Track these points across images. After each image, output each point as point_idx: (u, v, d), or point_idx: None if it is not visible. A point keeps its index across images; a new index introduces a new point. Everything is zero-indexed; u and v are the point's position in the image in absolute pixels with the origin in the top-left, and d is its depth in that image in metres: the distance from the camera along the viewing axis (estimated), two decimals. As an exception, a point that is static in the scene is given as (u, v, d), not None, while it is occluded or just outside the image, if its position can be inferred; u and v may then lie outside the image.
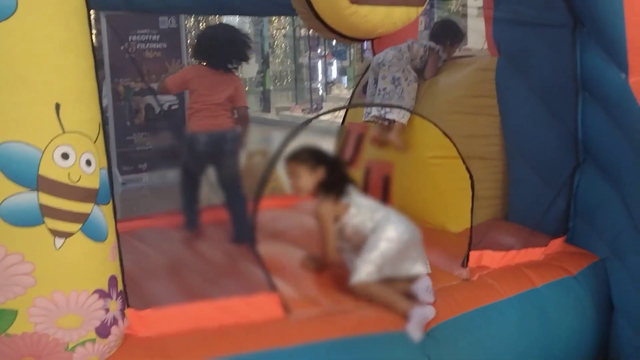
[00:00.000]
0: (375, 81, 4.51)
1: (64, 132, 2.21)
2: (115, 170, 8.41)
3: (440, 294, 3.11)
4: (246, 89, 16.25)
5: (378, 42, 5.23)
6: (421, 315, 2.90)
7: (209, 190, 4.25)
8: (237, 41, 4.31)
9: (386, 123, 4.33)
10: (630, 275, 3.34)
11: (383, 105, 4.40)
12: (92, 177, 2.29)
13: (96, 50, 2.37)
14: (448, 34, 4.68)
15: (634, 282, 3.31)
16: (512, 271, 3.34)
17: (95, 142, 2.33)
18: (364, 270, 3.06)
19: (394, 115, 4.24)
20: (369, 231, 3.13)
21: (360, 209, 3.18)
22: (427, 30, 10.78)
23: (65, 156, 2.21)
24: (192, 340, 2.59)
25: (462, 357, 2.95)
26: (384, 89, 4.34)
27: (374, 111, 4.34)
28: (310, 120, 3.28)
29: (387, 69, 4.37)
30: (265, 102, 15.83)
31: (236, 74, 4.35)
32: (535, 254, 3.53)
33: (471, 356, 2.98)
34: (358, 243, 3.16)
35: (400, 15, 2.77)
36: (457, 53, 4.81)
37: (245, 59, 4.33)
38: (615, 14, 3.14)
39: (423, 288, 3.06)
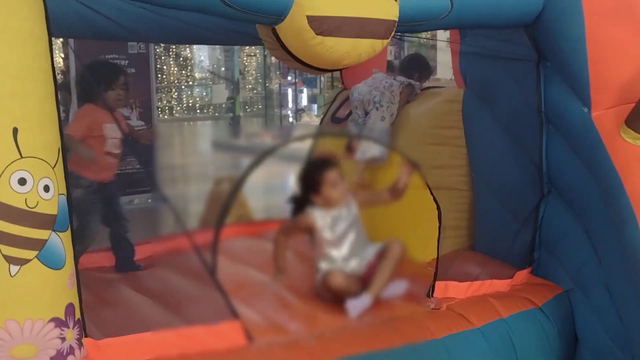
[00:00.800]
0: (366, 114, 4.53)
1: (21, 157, 2.17)
2: (80, 195, 8.27)
3: (409, 320, 3.13)
4: (216, 114, 16.26)
5: (346, 72, 5.27)
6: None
7: (173, 219, 4.18)
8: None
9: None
10: (593, 307, 3.36)
11: (357, 135, 4.45)
12: (50, 203, 2.25)
13: (63, 74, 2.36)
14: (417, 67, 4.76)
15: (597, 314, 3.33)
16: (478, 301, 3.35)
17: (54, 167, 2.29)
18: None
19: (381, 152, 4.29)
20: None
21: None
22: (397, 60, 10.91)
23: (22, 181, 2.18)
24: (151, 371, 2.54)
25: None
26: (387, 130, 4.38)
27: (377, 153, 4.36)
28: (278, 146, 3.26)
29: (386, 110, 4.41)
30: (235, 128, 15.79)
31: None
32: (501, 285, 3.53)
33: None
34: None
35: (366, 47, 2.79)
36: (427, 83, 4.87)
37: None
38: (578, 50, 3.19)
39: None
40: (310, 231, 3.51)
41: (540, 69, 3.48)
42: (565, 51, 3.27)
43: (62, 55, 8.45)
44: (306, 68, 2.92)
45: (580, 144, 3.32)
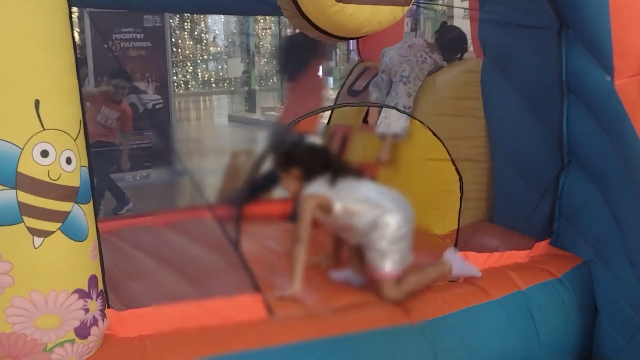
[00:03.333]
0: (390, 82, 4.46)
1: (43, 129, 2.18)
2: (98, 169, 8.35)
3: (427, 292, 3.12)
4: (232, 88, 16.26)
5: (363, 42, 5.23)
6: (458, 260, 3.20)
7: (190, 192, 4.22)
8: None
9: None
10: (613, 277, 3.34)
11: (374, 105, 4.41)
12: (72, 175, 2.26)
13: (79, 48, 2.35)
14: (459, 49, 4.66)
15: (618, 284, 3.32)
16: (497, 273, 3.34)
17: (76, 139, 2.30)
18: (390, 261, 3.05)
19: (401, 129, 4.24)
20: (367, 226, 3.07)
21: (352, 202, 3.09)
22: (413, 32, 10.81)
23: (44, 154, 2.18)
24: (173, 341, 2.56)
25: (449, 356, 2.96)
26: (410, 107, 4.31)
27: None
28: (297, 120, 3.25)
29: (412, 87, 4.34)
30: (251, 102, 15.78)
31: None
32: (520, 256, 3.52)
33: (458, 355, 2.99)
34: (354, 237, 3.15)
35: (386, 14, 2.75)
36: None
37: None
38: (601, 17, 3.14)
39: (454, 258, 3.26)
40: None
41: (561, 37, 3.43)
42: (588, 18, 3.22)
43: (78, 30, 8.47)
44: (325, 36, 2.90)
45: (602, 113, 3.28)
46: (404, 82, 4.34)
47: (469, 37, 4.50)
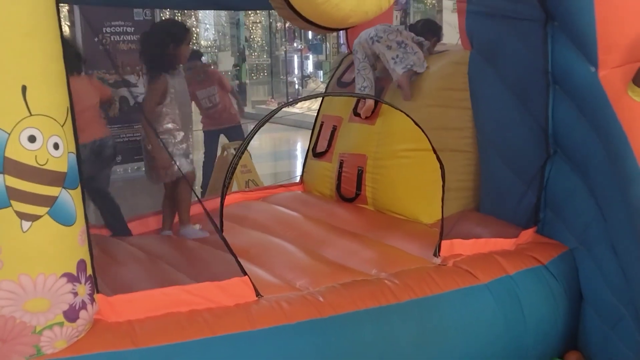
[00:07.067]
0: (366, 56, 4.45)
1: (30, 114, 2.20)
2: (88, 162, 8.32)
3: (417, 274, 3.17)
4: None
5: (352, 34, 5.24)
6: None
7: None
8: None
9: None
10: (597, 265, 3.38)
11: (358, 96, 4.43)
12: (59, 160, 2.28)
13: (70, 41, 2.37)
14: (431, 31, 4.71)
15: (601, 272, 3.35)
16: (485, 258, 3.37)
17: (63, 126, 2.31)
18: None
19: (420, 68, 4.29)
20: None
21: None
22: (403, 25, 10.81)
23: (32, 139, 2.20)
24: (161, 325, 2.58)
25: (437, 336, 3.02)
26: (397, 56, 4.30)
27: (399, 69, 4.28)
28: (279, 108, 3.28)
29: (387, 38, 4.32)
30: (241, 96, 15.79)
31: None
32: (506, 244, 3.55)
33: (446, 336, 3.04)
34: None
35: (372, 4, 2.78)
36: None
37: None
38: (586, 9, 3.16)
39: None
40: None
41: (547, 29, 3.46)
42: (572, 10, 3.25)
43: (68, 24, 8.44)
44: (312, 27, 2.92)
45: (587, 103, 3.31)
46: (372, 41, 4.30)
47: (454, 27, 4.54)
